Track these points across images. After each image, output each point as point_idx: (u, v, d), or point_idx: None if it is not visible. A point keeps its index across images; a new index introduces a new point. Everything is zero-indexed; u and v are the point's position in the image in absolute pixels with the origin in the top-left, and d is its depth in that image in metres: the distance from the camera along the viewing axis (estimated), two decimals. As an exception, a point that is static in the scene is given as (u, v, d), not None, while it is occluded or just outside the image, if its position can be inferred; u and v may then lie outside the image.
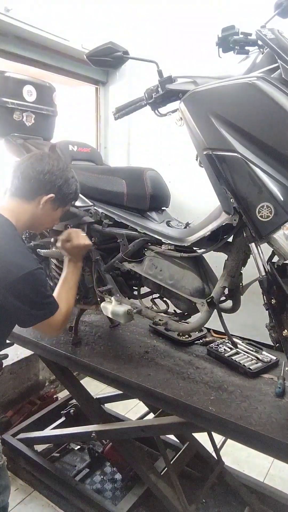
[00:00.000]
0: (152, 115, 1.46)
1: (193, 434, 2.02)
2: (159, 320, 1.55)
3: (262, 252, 1.24)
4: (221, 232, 1.35)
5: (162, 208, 1.71)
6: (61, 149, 1.80)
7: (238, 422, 1.30)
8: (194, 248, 1.47)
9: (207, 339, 1.90)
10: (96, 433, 1.94)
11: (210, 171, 1.24)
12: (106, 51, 1.38)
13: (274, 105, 1.09)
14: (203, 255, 1.49)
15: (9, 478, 1.51)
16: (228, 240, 1.36)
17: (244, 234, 1.28)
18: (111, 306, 1.61)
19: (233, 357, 1.69)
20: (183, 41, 2.45)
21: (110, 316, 1.63)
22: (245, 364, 1.63)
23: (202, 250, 1.46)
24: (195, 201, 2.40)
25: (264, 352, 1.75)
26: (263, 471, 2.43)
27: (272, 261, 1.23)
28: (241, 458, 2.46)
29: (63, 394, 2.99)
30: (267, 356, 1.71)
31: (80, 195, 1.68)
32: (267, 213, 1.13)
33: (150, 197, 1.60)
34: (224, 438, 2.04)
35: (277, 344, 1.26)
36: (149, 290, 1.69)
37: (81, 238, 1.50)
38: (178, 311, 1.59)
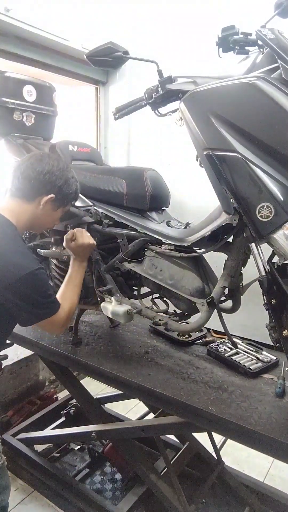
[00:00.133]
0: (152, 115, 1.46)
1: (193, 434, 2.02)
2: (159, 320, 1.55)
3: (262, 252, 1.24)
4: (221, 232, 1.35)
5: (162, 208, 1.71)
6: (61, 149, 1.80)
7: (238, 422, 1.30)
8: (194, 248, 1.47)
9: (207, 339, 1.90)
10: (96, 433, 1.94)
11: (210, 171, 1.24)
12: (106, 51, 1.38)
13: (274, 105, 1.09)
14: (203, 255, 1.49)
15: (9, 478, 1.51)
16: (228, 240, 1.36)
17: (244, 234, 1.28)
18: (111, 306, 1.61)
19: (233, 357, 1.69)
20: (183, 41, 2.45)
21: (110, 316, 1.63)
22: (245, 364, 1.63)
23: (202, 250, 1.46)
24: (195, 201, 2.40)
25: (264, 352, 1.75)
26: (263, 471, 2.43)
27: (272, 261, 1.23)
28: (241, 458, 2.46)
29: (63, 394, 2.99)
30: (267, 356, 1.71)
31: (80, 195, 1.68)
32: (267, 213, 1.13)
33: (150, 197, 1.60)
34: (224, 438, 2.05)
35: (277, 344, 1.26)
36: (149, 290, 1.69)
37: (85, 237, 1.52)
38: (178, 311, 1.59)
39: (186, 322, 1.61)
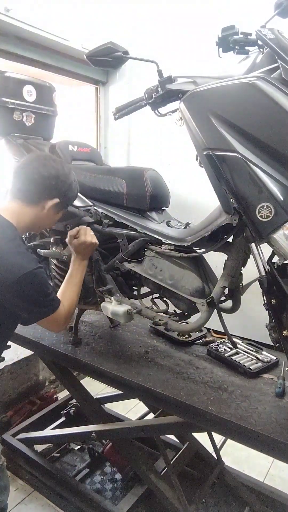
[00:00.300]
0: (152, 115, 1.46)
1: (193, 434, 2.02)
2: (159, 320, 1.55)
3: (262, 252, 1.24)
4: (221, 232, 1.35)
5: (162, 208, 1.71)
6: (61, 149, 1.80)
7: (238, 422, 1.30)
8: (194, 248, 1.47)
9: (207, 339, 1.90)
10: (96, 433, 1.94)
11: (210, 171, 1.24)
12: (106, 51, 1.38)
13: (274, 105, 1.09)
14: (203, 255, 1.49)
15: (9, 479, 1.51)
16: (228, 240, 1.36)
17: (244, 234, 1.28)
18: (111, 306, 1.61)
19: (233, 357, 1.69)
20: (183, 41, 2.45)
21: (110, 316, 1.63)
22: (245, 364, 1.63)
23: (202, 250, 1.46)
24: (195, 201, 2.40)
25: (264, 352, 1.75)
26: (263, 471, 2.43)
27: (272, 261, 1.23)
28: (241, 458, 2.45)
29: (63, 394, 2.99)
30: (267, 356, 1.71)
31: (80, 195, 1.69)
32: (267, 213, 1.13)
33: (150, 197, 1.60)
34: (224, 438, 2.05)
35: (277, 344, 1.26)
36: (149, 290, 1.69)
37: (89, 236, 1.52)
38: (178, 311, 1.59)
39: (186, 322, 1.61)
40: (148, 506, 2.06)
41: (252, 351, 1.76)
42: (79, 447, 2.56)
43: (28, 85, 1.93)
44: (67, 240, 1.54)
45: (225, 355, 1.71)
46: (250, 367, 1.62)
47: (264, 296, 1.24)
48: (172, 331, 1.83)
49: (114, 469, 2.36)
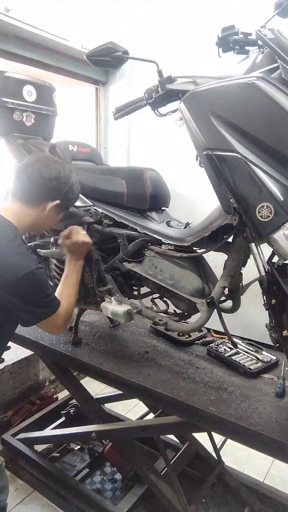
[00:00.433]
0: (152, 115, 1.46)
1: (193, 434, 2.02)
2: (159, 320, 1.55)
3: (262, 252, 1.24)
4: (221, 232, 1.35)
5: (162, 208, 1.71)
6: (61, 149, 1.80)
7: (238, 422, 1.30)
8: (194, 248, 1.47)
9: (207, 339, 1.90)
10: (96, 433, 1.94)
11: (210, 171, 1.24)
12: (106, 51, 1.38)
13: (274, 105, 1.09)
14: (203, 255, 1.49)
15: (8, 479, 1.51)
16: (228, 240, 1.36)
17: (244, 234, 1.28)
18: (111, 306, 1.61)
19: (233, 357, 1.69)
20: (183, 41, 2.45)
21: (110, 316, 1.63)
22: (245, 364, 1.63)
23: (202, 250, 1.46)
24: (195, 201, 2.40)
25: (264, 352, 1.75)
26: (263, 471, 2.43)
27: (272, 261, 1.23)
28: (241, 458, 2.45)
29: (63, 394, 2.99)
30: (267, 356, 1.71)
31: (80, 195, 1.68)
32: (267, 213, 1.13)
33: (150, 197, 1.60)
34: (224, 438, 2.05)
35: (277, 344, 1.26)
36: (149, 290, 1.69)
37: (80, 235, 1.52)
38: (178, 311, 1.59)
39: (186, 322, 1.61)
40: (148, 506, 2.06)
41: (252, 351, 1.76)
42: (79, 447, 2.56)
43: (28, 85, 1.93)
44: (59, 241, 1.54)
45: (225, 355, 1.71)
46: (250, 367, 1.62)
47: (264, 296, 1.24)
48: (172, 331, 1.83)
49: (114, 469, 2.36)
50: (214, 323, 1.53)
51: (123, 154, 3.06)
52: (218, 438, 2.06)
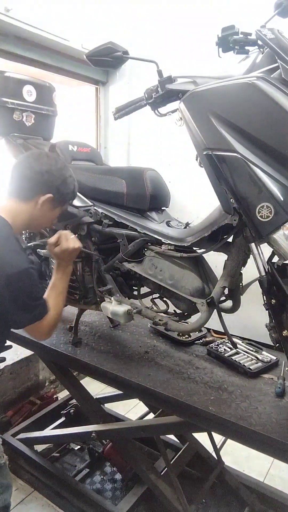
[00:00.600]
0: (152, 115, 1.46)
1: (193, 434, 2.02)
2: (159, 320, 1.55)
3: (262, 252, 1.24)
4: (221, 232, 1.35)
5: (162, 208, 1.71)
6: (61, 149, 1.80)
7: (238, 422, 1.30)
8: (194, 248, 1.47)
9: (207, 339, 1.90)
10: (96, 433, 1.94)
11: (210, 171, 1.24)
12: (106, 51, 1.38)
13: (274, 105, 1.08)
14: (203, 255, 1.49)
15: (11, 477, 1.51)
16: (228, 240, 1.36)
17: (244, 234, 1.28)
18: (111, 306, 1.61)
19: (233, 357, 1.69)
20: (183, 41, 2.45)
21: (110, 316, 1.63)
22: (245, 364, 1.63)
23: (202, 250, 1.46)
24: (195, 201, 2.40)
25: (264, 352, 1.75)
26: (263, 471, 2.43)
27: (272, 261, 1.23)
28: (241, 458, 2.46)
29: (63, 394, 2.99)
30: (267, 356, 1.71)
31: (80, 195, 1.69)
32: (267, 213, 1.13)
33: (150, 197, 1.60)
34: (224, 438, 2.05)
35: (277, 344, 1.26)
36: (149, 290, 1.69)
37: (70, 241, 1.43)
38: (178, 311, 1.59)
39: (186, 322, 1.61)
40: (148, 506, 2.06)
41: (252, 351, 1.76)
42: (79, 447, 2.56)
43: (28, 85, 1.93)
44: (47, 249, 1.46)
45: (225, 355, 1.71)
46: (250, 367, 1.62)
47: (264, 296, 1.24)
48: (172, 331, 1.83)
49: (114, 469, 2.37)
50: (214, 323, 1.53)
51: (123, 154, 3.06)
52: (218, 438, 2.06)
